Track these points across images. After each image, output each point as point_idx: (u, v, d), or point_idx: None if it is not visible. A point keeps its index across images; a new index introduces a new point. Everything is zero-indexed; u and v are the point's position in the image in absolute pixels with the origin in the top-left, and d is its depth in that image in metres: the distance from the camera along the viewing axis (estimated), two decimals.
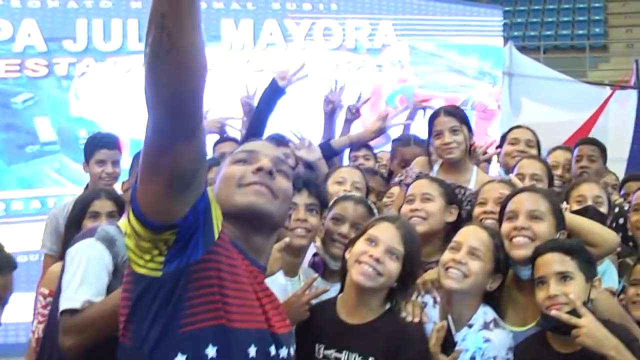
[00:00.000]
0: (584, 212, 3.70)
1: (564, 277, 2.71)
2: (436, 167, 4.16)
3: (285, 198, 2.02)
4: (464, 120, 4.09)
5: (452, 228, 3.40)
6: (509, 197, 3.14)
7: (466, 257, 2.87)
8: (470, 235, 2.96)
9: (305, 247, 3.21)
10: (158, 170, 1.62)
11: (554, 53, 17.25)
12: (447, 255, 2.93)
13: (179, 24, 1.47)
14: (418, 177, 3.83)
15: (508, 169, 4.35)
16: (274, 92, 4.64)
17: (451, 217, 3.47)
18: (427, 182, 3.55)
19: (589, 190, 4.00)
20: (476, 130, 8.23)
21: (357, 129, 5.36)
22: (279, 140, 4.54)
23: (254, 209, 1.92)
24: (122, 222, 3.01)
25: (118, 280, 2.76)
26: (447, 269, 2.89)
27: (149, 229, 1.68)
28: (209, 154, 5.00)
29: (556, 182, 4.80)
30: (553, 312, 2.65)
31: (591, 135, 8.70)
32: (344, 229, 3.32)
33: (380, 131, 4.82)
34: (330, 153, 4.66)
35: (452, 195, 3.55)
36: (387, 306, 2.80)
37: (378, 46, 7.85)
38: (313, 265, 3.47)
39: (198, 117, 1.61)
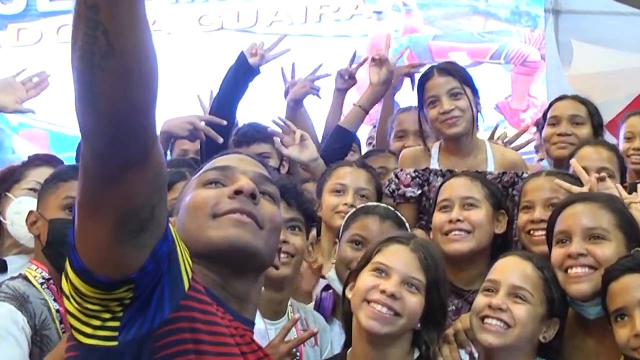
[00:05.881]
0: None
1: None
2: (435, 150, 4.08)
3: (273, 228, 2.03)
4: (465, 79, 4.03)
5: (502, 241, 3.43)
6: (557, 211, 3.06)
7: (507, 301, 2.84)
8: (510, 271, 2.92)
9: (289, 277, 3.18)
10: (103, 210, 1.60)
11: None
12: (481, 300, 2.90)
13: (118, 18, 1.44)
14: (444, 177, 3.79)
15: (555, 161, 4.28)
16: (243, 72, 4.56)
17: (500, 228, 3.48)
18: (467, 182, 3.52)
19: None
20: (515, 90, 8.36)
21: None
22: (257, 134, 4.53)
23: (235, 245, 1.92)
24: (29, 270, 3.02)
25: (38, 346, 2.80)
26: (482, 319, 2.86)
27: (95, 287, 1.67)
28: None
29: (634, 157, 4.81)
30: None
31: None
32: None
33: (389, 79, 4.68)
34: (347, 140, 4.62)
35: (499, 197, 3.54)
36: (416, 355, 2.80)
37: None
38: (319, 303, 3.47)
39: (150, 136, 1.59)
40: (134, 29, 1.48)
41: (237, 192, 1.96)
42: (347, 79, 5.14)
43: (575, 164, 3.49)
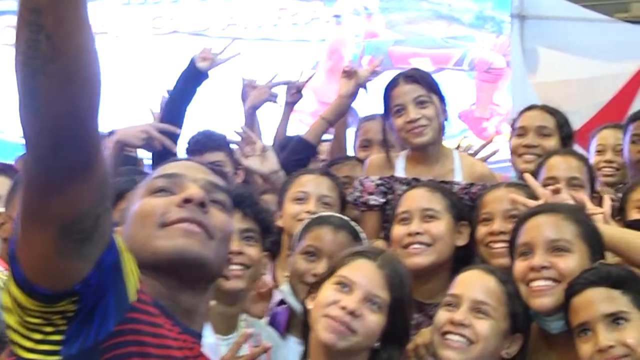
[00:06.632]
0: None
1: (616, 319, 2.67)
2: (400, 161, 4.09)
3: (223, 237, 2.04)
4: (432, 87, 4.04)
5: (465, 253, 3.44)
6: (519, 223, 3.07)
7: (469, 317, 2.85)
8: (472, 285, 2.94)
9: (243, 290, 3.16)
10: (46, 220, 1.61)
11: None
12: (442, 316, 2.91)
13: (61, 22, 1.46)
14: (410, 185, 3.79)
15: (521, 174, 4.19)
16: (192, 77, 4.63)
17: (462, 240, 3.50)
18: (427, 193, 3.54)
19: None
20: (478, 98, 8.39)
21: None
22: (210, 142, 4.54)
23: (183, 256, 1.92)
24: None
25: None
26: (444, 334, 2.88)
27: (38, 299, 1.66)
28: None
29: (606, 170, 4.93)
30: None
31: None
32: (320, 267, 3.25)
33: (356, 91, 4.70)
34: (307, 152, 4.65)
35: (460, 208, 3.56)
36: None
37: None
38: (273, 318, 3.45)
39: (94, 142, 1.60)
40: (77, 33, 1.49)
41: (186, 201, 1.96)
42: (294, 93, 5.22)
43: (528, 178, 3.51)
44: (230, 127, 4.63)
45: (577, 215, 3.05)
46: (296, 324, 3.28)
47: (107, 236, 1.72)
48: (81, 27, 1.50)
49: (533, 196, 3.32)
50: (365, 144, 4.87)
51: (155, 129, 4.40)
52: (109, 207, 1.71)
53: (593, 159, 4.98)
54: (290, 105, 5.31)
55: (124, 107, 5.56)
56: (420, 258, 3.36)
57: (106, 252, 1.71)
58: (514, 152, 4.43)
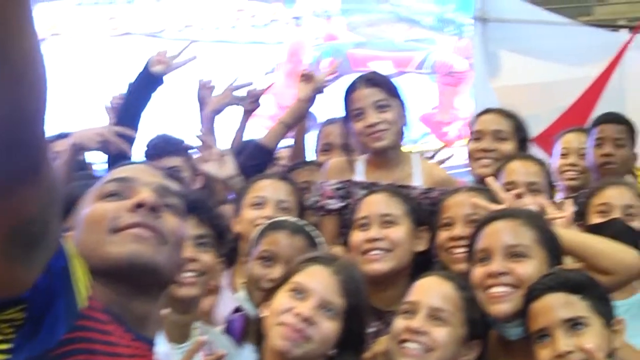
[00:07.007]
0: (607, 227, 3.63)
1: (575, 324, 2.70)
2: (360, 166, 4.08)
3: (176, 242, 2.02)
4: (392, 90, 4.04)
5: (423, 259, 3.44)
6: (478, 228, 3.08)
7: (427, 324, 2.86)
8: (430, 292, 2.95)
9: (196, 298, 3.15)
10: None
11: None
12: (399, 323, 2.91)
13: (6, 25, 1.44)
14: (369, 190, 3.77)
15: (478, 178, 4.26)
16: (146, 82, 4.57)
17: (421, 245, 3.50)
18: (386, 198, 3.54)
19: (617, 197, 3.89)
20: (440, 102, 8.39)
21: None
22: (168, 147, 4.52)
23: (135, 262, 1.90)
24: None
25: None
26: (401, 342, 2.88)
27: None
28: None
29: (569, 174, 4.96)
30: None
31: (603, 98, 8.82)
32: (276, 272, 3.24)
33: (314, 96, 4.71)
34: (264, 157, 4.63)
35: (420, 213, 3.56)
36: None
37: None
38: (229, 326, 3.41)
39: (41, 146, 1.59)
40: (23, 36, 1.47)
41: (138, 206, 1.95)
42: (254, 102, 5.20)
43: (491, 182, 3.50)
44: (186, 130, 4.61)
45: (536, 220, 3.07)
46: (252, 331, 3.24)
47: (56, 242, 1.71)
48: (27, 30, 1.48)
49: (494, 200, 3.32)
50: (326, 148, 4.85)
51: (111, 132, 4.38)
52: (58, 213, 1.69)
53: (558, 162, 5.02)
54: (248, 113, 5.27)
55: (78, 110, 5.50)
56: (380, 264, 3.37)
57: (55, 257, 1.70)
58: (471, 156, 4.44)
